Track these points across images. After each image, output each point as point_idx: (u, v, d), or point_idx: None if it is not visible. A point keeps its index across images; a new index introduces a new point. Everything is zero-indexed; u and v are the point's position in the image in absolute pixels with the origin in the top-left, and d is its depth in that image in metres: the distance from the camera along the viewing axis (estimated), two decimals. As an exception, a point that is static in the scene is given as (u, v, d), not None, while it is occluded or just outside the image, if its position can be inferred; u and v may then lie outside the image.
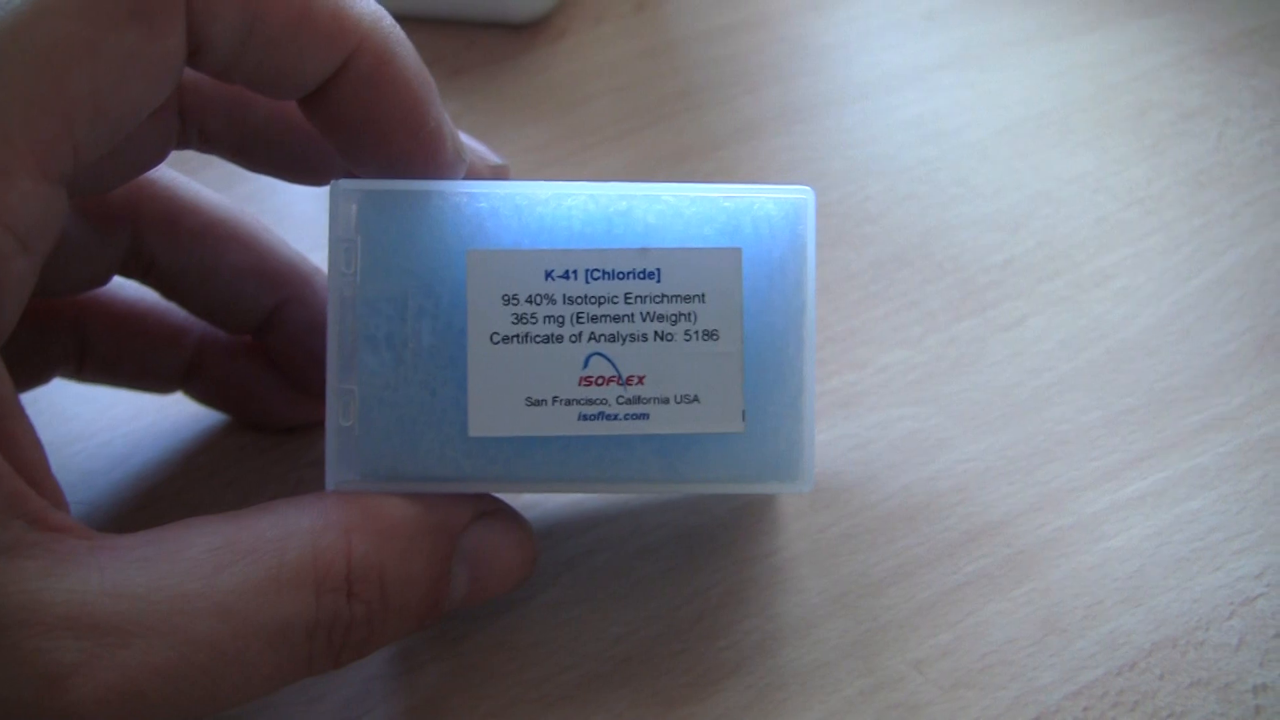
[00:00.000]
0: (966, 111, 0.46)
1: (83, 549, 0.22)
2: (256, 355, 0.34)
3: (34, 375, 0.31)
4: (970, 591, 0.30)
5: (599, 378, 0.26)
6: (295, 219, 0.42)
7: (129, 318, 0.32)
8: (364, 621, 0.24)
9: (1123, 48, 0.49)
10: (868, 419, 0.35)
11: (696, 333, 0.26)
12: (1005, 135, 0.45)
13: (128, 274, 0.31)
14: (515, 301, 0.26)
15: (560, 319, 0.26)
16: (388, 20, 0.25)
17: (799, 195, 0.27)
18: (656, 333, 0.26)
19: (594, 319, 0.26)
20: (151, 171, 0.30)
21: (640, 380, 0.26)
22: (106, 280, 0.31)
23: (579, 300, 0.26)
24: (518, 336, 0.26)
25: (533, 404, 0.26)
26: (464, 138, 0.29)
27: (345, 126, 0.26)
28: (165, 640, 0.22)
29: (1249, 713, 0.28)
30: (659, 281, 0.26)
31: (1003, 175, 0.43)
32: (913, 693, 0.28)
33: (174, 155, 0.29)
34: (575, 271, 0.26)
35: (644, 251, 0.26)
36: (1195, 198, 0.42)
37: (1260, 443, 0.33)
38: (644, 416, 0.26)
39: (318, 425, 0.34)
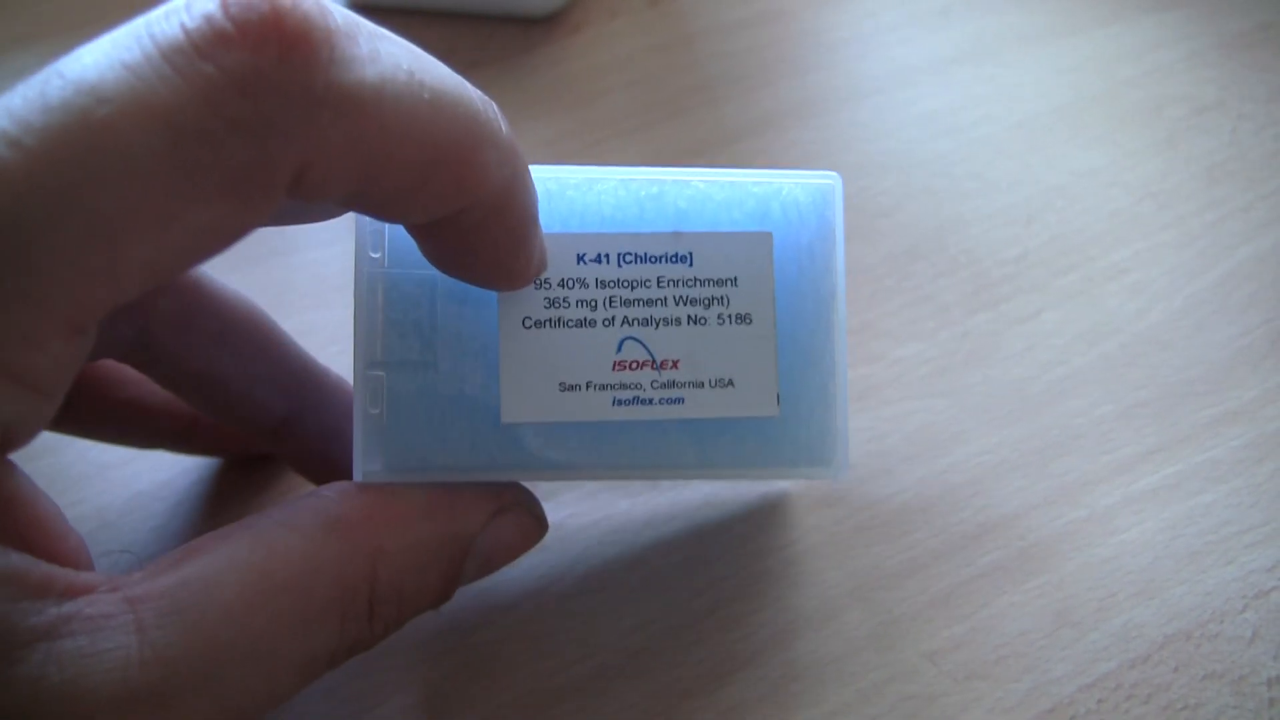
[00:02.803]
0: (981, 106, 0.46)
1: (116, 610, 0.21)
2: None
3: None
4: (984, 584, 0.30)
5: (633, 362, 0.26)
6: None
7: (118, 390, 0.31)
8: (381, 635, 0.25)
9: (1136, 43, 0.49)
10: (882, 412, 0.35)
11: (730, 316, 0.26)
12: (1019, 130, 0.45)
13: (128, 362, 0.29)
14: (547, 285, 0.25)
15: (593, 303, 0.26)
16: (510, 165, 0.23)
17: (826, 181, 0.27)
18: (690, 316, 0.26)
19: (627, 302, 0.26)
20: None
21: (675, 364, 0.26)
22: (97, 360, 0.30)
23: (611, 284, 0.26)
24: (550, 321, 0.25)
25: (566, 389, 0.25)
26: None
27: (440, 248, 0.24)
28: (205, 696, 0.22)
29: (1263, 705, 0.28)
30: (691, 265, 0.26)
31: (1017, 169, 0.43)
32: (927, 684, 0.28)
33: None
34: (608, 255, 0.26)
35: (676, 235, 0.26)
36: (1209, 192, 0.42)
37: (1273, 436, 0.34)
38: (679, 401, 0.26)
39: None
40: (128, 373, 0.31)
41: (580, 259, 0.26)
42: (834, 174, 0.27)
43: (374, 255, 0.26)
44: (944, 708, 0.28)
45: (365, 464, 0.26)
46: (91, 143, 0.19)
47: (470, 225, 0.23)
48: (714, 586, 0.31)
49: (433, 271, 0.25)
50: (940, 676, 0.28)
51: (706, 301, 0.26)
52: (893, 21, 0.52)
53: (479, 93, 0.23)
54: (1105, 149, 0.44)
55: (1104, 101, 0.46)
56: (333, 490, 0.25)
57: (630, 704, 0.28)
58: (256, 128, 0.19)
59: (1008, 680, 0.28)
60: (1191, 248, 0.40)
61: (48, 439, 0.32)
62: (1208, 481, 0.32)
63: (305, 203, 0.22)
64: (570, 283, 0.25)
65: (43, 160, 0.19)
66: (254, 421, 0.31)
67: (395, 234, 0.26)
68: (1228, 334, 0.37)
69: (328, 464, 0.32)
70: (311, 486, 0.32)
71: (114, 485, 0.33)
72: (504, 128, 0.23)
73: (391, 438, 0.26)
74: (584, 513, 0.32)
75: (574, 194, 0.26)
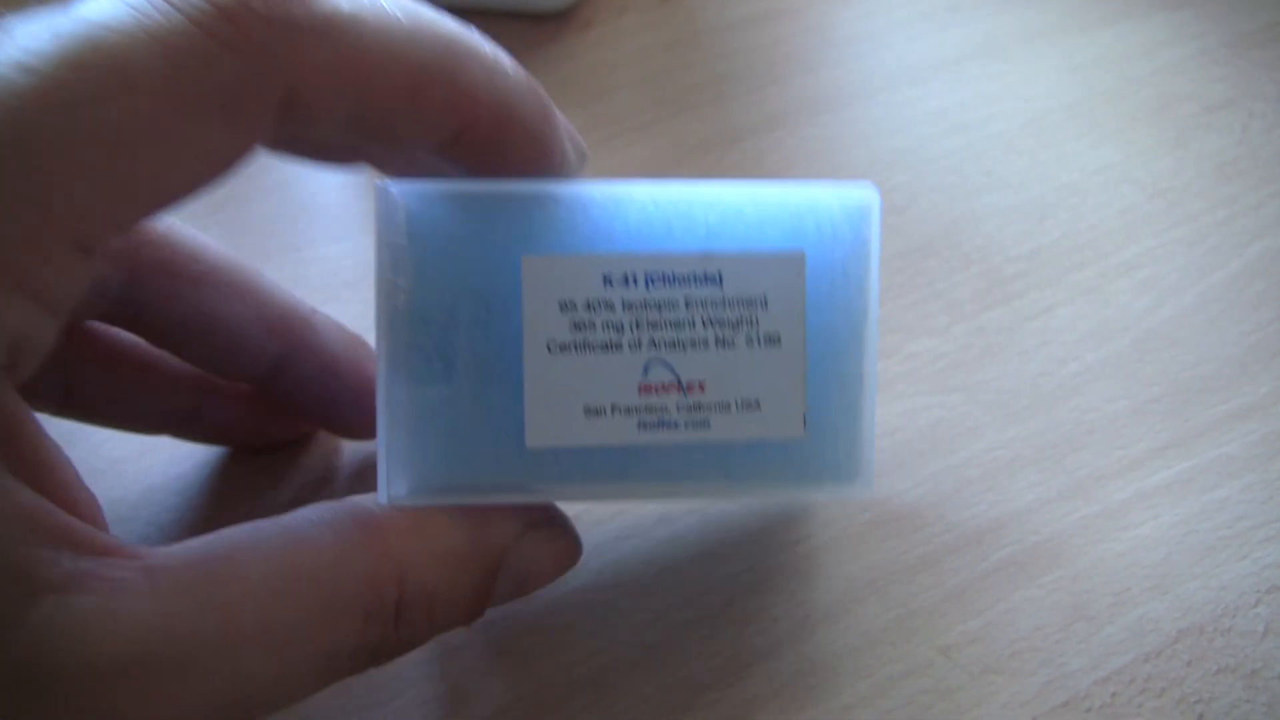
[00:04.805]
0: (991, 103, 0.47)
1: (135, 575, 0.21)
2: (256, 399, 0.33)
3: None
4: (999, 579, 0.30)
5: (659, 385, 0.25)
6: (321, 208, 0.43)
7: (121, 361, 0.31)
8: (408, 641, 0.25)
9: (1146, 40, 0.50)
10: (895, 407, 0.35)
11: (758, 337, 0.25)
12: (1030, 127, 0.45)
13: (113, 323, 0.30)
14: (573, 308, 0.25)
15: (619, 325, 0.25)
16: (501, 77, 0.25)
17: (864, 194, 0.26)
18: (717, 338, 0.25)
19: (653, 325, 0.25)
20: None
21: (701, 387, 0.25)
22: (80, 323, 0.30)
23: (638, 306, 0.25)
24: (575, 344, 0.25)
25: (591, 413, 0.25)
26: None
27: (469, 167, 0.25)
28: (217, 674, 0.21)
29: (1275, 699, 0.28)
30: (720, 286, 0.25)
31: (1028, 166, 0.43)
32: (942, 678, 0.28)
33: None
34: (635, 277, 0.25)
35: (706, 256, 0.25)
36: (1220, 190, 0.42)
37: (1286, 433, 0.34)
38: (705, 424, 0.25)
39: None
40: (124, 341, 0.31)
41: (607, 281, 0.25)
42: (870, 186, 0.26)
43: (395, 278, 0.25)
44: (959, 701, 0.28)
45: (390, 488, 0.25)
46: (97, 63, 0.20)
47: (485, 138, 0.24)
48: (729, 581, 0.31)
49: (456, 295, 0.25)
50: (955, 670, 0.29)
51: (735, 323, 0.25)
52: (902, 18, 0.52)
53: (457, 22, 0.24)
54: (1116, 146, 0.44)
55: (1114, 99, 0.46)
56: (368, 497, 0.25)
57: (646, 697, 0.28)
58: (245, 48, 0.21)
59: (1023, 674, 0.28)
60: (1203, 245, 0.40)
61: (60, 433, 0.32)
62: (1221, 477, 0.32)
63: (307, 127, 0.23)
64: (596, 305, 0.25)
65: (53, 80, 0.20)
66: (247, 367, 0.31)
67: (418, 256, 0.25)
68: (1239, 330, 0.37)
69: (323, 403, 0.32)
70: (314, 440, 0.33)
71: (127, 479, 0.33)
72: (488, 46, 0.25)
73: (416, 461, 0.25)
74: (599, 507, 0.32)
75: (599, 212, 0.25)
